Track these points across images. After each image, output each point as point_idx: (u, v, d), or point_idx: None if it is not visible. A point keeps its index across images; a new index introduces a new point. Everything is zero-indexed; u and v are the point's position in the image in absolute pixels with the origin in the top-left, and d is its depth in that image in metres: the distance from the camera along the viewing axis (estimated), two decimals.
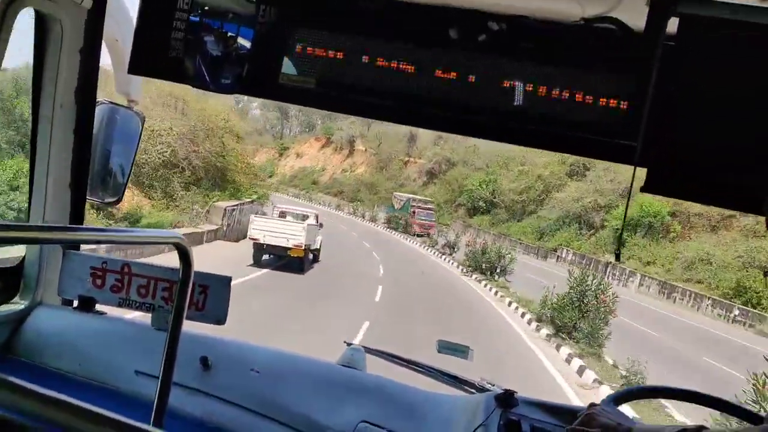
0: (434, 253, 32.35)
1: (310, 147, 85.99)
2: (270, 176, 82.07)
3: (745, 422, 1.29)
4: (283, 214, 20.57)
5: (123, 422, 0.41)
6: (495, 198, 52.61)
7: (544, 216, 46.34)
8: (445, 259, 29.65)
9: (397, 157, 71.64)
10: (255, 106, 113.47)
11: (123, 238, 1.25)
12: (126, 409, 0.84)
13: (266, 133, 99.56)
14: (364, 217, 55.30)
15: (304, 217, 20.15)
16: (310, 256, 18.56)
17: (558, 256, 40.24)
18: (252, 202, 26.00)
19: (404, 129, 65.76)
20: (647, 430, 1.22)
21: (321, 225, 20.33)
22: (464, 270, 24.68)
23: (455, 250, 30.31)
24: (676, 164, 1.21)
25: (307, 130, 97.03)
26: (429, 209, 48.42)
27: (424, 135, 68.90)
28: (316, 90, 1.37)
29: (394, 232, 45.45)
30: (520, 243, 43.05)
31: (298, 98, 1.40)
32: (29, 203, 1.77)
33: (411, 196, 51.76)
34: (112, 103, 1.87)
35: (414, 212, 47.50)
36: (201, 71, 1.49)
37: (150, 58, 1.51)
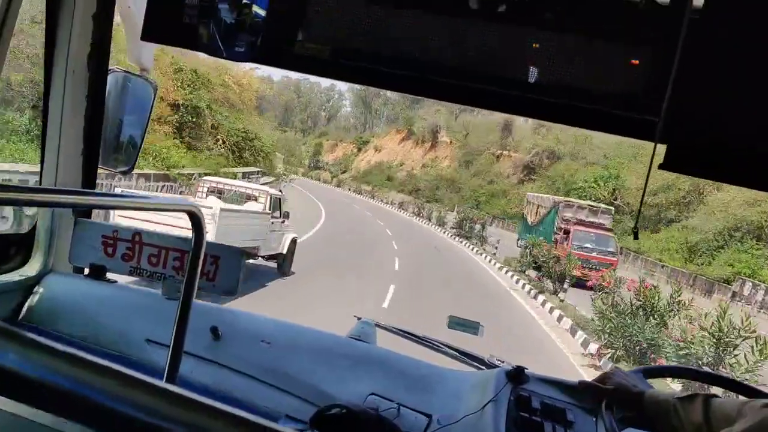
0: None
1: (389, 140, 79.46)
2: (343, 172, 78.61)
3: None
4: (215, 192, 13.83)
5: (138, 378, 0.40)
6: (616, 199, 38.31)
7: (696, 226, 32.44)
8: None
9: (488, 149, 62.07)
10: (347, 104, 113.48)
11: (135, 204, 1.24)
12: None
13: (354, 130, 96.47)
14: (429, 220, 42.91)
15: (249, 199, 13.55)
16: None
17: (734, 291, 24.64)
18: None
19: (497, 117, 57.50)
20: (657, 395, 1.23)
21: (286, 216, 13.71)
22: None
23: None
24: (699, 141, 1.18)
25: (391, 122, 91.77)
26: (603, 229, 24.32)
27: (522, 124, 59.47)
28: (331, 59, 1.35)
29: (469, 247, 29.40)
30: (662, 266, 29.66)
31: (313, 67, 1.38)
32: (41, 170, 1.77)
33: (558, 198, 28.92)
34: (124, 71, 1.86)
35: (568, 232, 23.52)
36: (215, 38, 1.47)
37: (163, 24, 1.48)
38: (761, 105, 1.14)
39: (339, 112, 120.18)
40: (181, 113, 23.88)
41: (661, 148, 1.20)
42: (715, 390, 1.58)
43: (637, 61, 1.21)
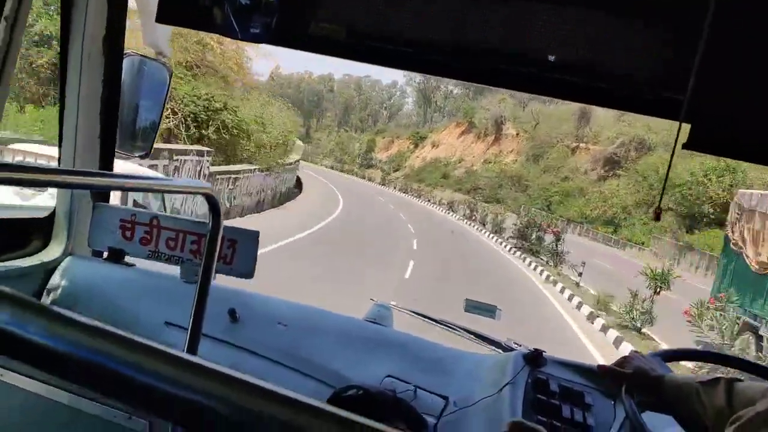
0: None
1: (448, 135, 71.76)
2: (396, 170, 71.79)
3: None
4: None
5: (160, 349, 0.41)
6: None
7: None
8: None
9: (561, 141, 54.60)
10: (410, 101, 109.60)
11: (153, 186, 1.24)
12: None
13: (414, 127, 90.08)
14: (484, 225, 32.29)
15: None
16: None
17: None
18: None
19: (573, 106, 50.20)
20: (678, 379, 1.21)
21: None
22: None
23: None
24: (723, 121, 1.15)
25: (452, 116, 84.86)
26: None
27: (602, 112, 50.53)
28: (347, 40, 1.33)
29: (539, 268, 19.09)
30: None
31: (329, 48, 1.36)
32: (59, 154, 1.78)
33: None
34: (140, 55, 1.85)
35: None
36: (230, 20, 1.45)
37: (178, 6, 1.48)
38: None
39: (401, 110, 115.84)
40: None
41: (686, 128, 1.17)
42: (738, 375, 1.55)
43: (665, 40, 1.18)
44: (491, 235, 28.84)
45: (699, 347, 9.74)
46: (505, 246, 24.84)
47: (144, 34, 1.86)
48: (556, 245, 20.51)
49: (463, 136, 69.15)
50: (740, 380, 1.09)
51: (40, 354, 0.41)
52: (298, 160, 30.45)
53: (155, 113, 1.88)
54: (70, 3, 1.65)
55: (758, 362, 1.30)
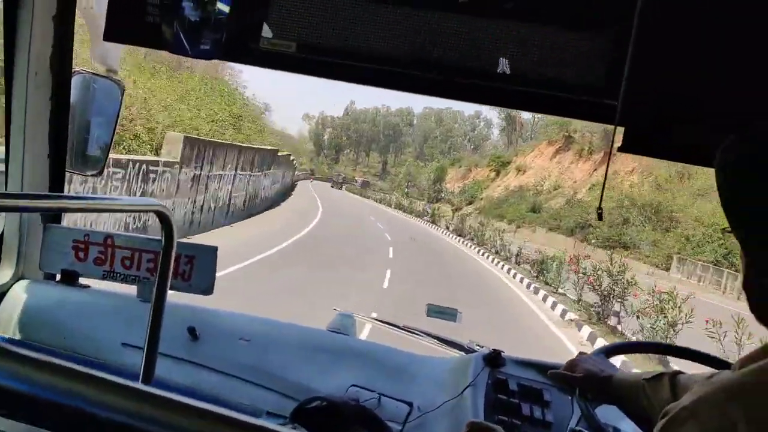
0: None
1: (537, 156, 56.06)
2: (470, 203, 55.82)
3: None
4: None
5: (111, 381, 0.40)
6: None
7: None
8: None
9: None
10: (496, 133, 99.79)
11: (103, 206, 1.23)
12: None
13: (497, 151, 76.36)
14: (617, 325, 11.67)
15: None
16: None
17: None
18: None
19: None
20: (626, 377, 1.26)
21: None
22: None
23: None
24: (655, 123, 1.22)
25: (539, 134, 66.47)
26: None
27: None
28: (297, 54, 1.35)
29: None
30: None
31: (279, 63, 1.38)
32: (6, 176, 1.73)
33: None
34: (89, 72, 1.83)
35: None
36: (179, 37, 1.45)
37: (125, 23, 1.47)
38: (712, 86, 1.18)
39: (487, 140, 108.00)
40: None
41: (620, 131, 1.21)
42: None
43: (596, 47, 1.24)
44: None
45: None
46: None
47: (92, 51, 1.83)
48: None
49: (558, 156, 52.54)
50: (682, 372, 1.15)
51: None
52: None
53: (107, 131, 1.85)
54: (15, 19, 1.62)
55: (698, 350, 1.36)
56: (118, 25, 1.47)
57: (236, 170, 18.92)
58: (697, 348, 1.39)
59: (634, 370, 1.36)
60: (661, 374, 1.16)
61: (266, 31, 1.39)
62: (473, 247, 27.43)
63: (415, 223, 41.58)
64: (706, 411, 0.66)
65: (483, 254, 24.74)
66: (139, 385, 0.41)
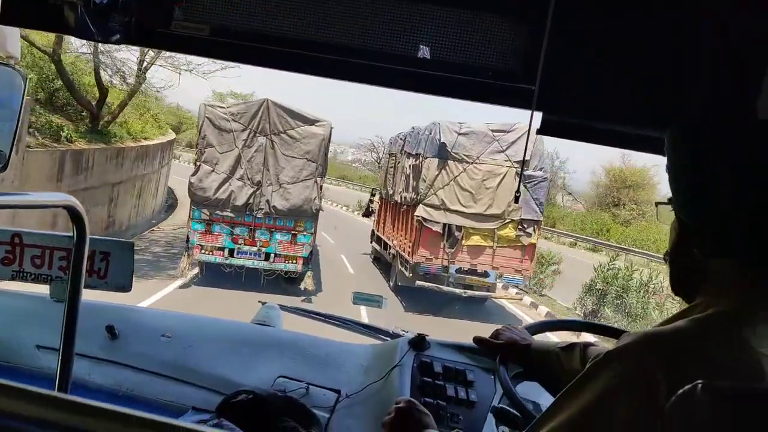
0: None
1: None
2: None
3: None
4: None
5: (27, 390, 0.37)
6: None
7: None
8: None
9: None
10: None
11: (7, 202, 1.15)
12: (28, 384, 0.78)
13: None
14: None
15: None
16: None
17: None
18: None
19: None
20: (542, 346, 1.33)
21: None
22: None
23: None
24: (571, 107, 1.26)
25: None
26: None
27: None
28: (209, 38, 1.31)
29: None
30: None
31: (191, 47, 1.33)
32: None
33: None
34: None
35: None
36: (84, 20, 1.37)
37: (24, 6, 1.37)
38: (622, 72, 1.24)
39: None
40: None
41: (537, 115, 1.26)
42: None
43: (513, 33, 1.27)
44: None
45: None
46: None
47: None
48: None
49: None
50: (593, 345, 1.20)
51: None
52: None
53: (9, 123, 1.73)
54: None
55: (612, 325, 1.44)
56: (15, 7, 1.37)
57: None
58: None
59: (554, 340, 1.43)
60: (574, 344, 1.22)
61: (177, 15, 1.33)
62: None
63: None
64: (627, 356, 0.73)
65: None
66: (54, 393, 0.38)
